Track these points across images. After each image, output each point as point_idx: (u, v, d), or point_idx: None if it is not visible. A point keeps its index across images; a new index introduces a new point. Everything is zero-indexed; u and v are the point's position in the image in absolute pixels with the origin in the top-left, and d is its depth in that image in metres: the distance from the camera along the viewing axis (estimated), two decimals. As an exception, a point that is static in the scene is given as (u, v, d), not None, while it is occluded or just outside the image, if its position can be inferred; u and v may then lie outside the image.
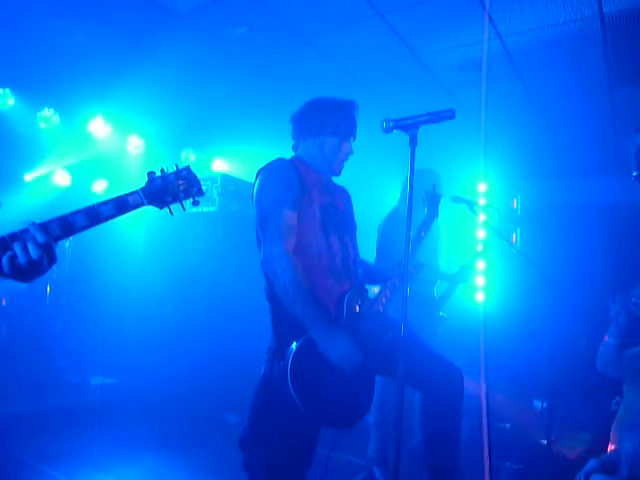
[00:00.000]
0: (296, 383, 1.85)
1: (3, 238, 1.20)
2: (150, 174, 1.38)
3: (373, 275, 2.43)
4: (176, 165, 1.43)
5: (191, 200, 1.43)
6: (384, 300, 2.23)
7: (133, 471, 3.22)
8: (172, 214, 1.40)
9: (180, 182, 1.40)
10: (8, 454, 3.16)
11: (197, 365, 4.35)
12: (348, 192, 2.39)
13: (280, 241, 1.96)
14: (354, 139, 2.30)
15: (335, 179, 2.34)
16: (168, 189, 1.38)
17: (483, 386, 2.53)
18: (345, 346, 1.92)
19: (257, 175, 2.16)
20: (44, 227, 1.22)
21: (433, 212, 2.65)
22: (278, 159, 2.18)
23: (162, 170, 1.40)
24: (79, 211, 1.26)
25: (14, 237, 1.21)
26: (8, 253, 1.18)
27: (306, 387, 1.87)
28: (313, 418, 1.89)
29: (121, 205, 1.30)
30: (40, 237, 1.19)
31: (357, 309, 2.08)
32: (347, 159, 2.26)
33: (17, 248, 1.18)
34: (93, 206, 1.28)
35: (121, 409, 4.02)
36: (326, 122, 2.19)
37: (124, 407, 4.05)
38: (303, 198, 2.06)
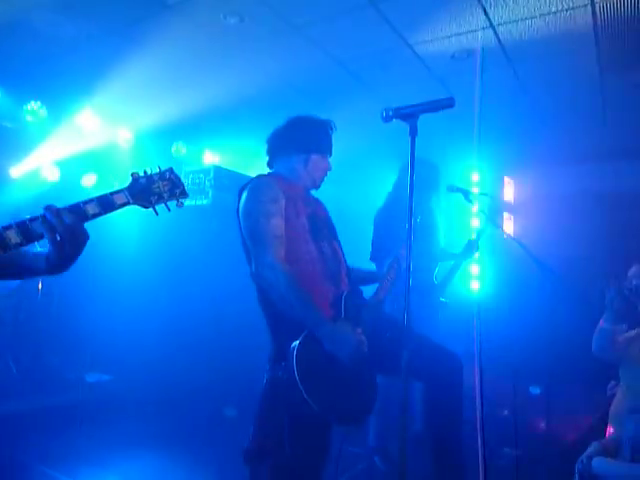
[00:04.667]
0: (304, 380, 1.84)
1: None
2: (134, 174, 1.42)
3: (365, 279, 2.47)
4: (159, 167, 1.48)
5: (175, 201, 1.47)
6: (382, 295, 2.26)
7: (133, 468, 3.20)
8: (157, 214, 1.44)
9: (164, 183, 1.44)
10: (4, 453, 3.12)
11: (193, 360, 4.33)
12: (323, 203, 2.47)
13: (271, 250, 2.00)
14: (331, 156, 2.39)
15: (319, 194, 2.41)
16: (152, 189, 1.43)
17: (477, 373, 2.56)
18: (350, 338, 1.94)
19: (242, 191, 2.20)
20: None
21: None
22: (260, 176, 2.27)
23: (145, 171, 1.44)
24: (66, 208, 1.28)
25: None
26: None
27: (314, 384, 1.86)
28: (324, 415, 1.87)
29: (106, 203, 1.34)
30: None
31: (355, 307, 2.11)
32: (327, 174, 2.37)
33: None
34: (78, 204, 1.31)
35: (117, 406, 3.98)
36: (310, 140, 2.29)
37: (120, 404, 4.01)
38: (289, 209, 2.12)
